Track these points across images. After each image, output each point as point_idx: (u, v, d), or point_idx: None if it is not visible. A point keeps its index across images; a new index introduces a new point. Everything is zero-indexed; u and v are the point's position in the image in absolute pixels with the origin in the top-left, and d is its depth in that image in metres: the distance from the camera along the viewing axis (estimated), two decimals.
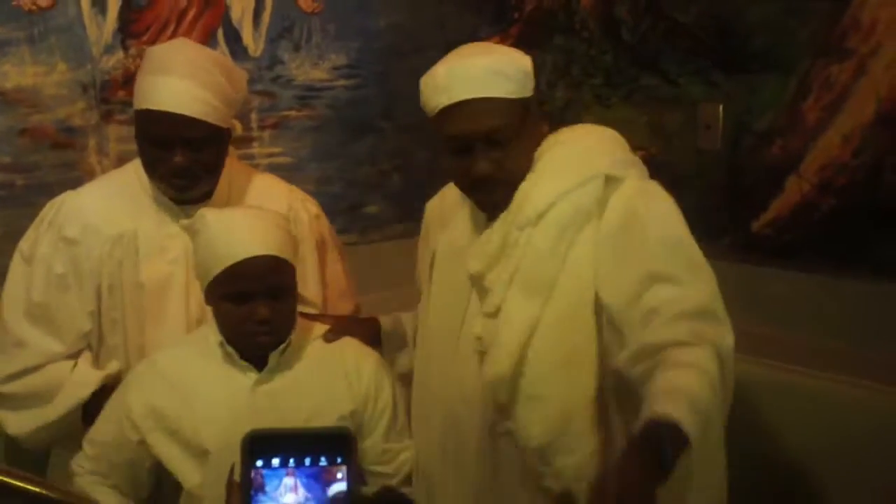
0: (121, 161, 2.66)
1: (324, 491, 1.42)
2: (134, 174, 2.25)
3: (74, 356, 2.21)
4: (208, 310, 2.05)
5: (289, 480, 1.41)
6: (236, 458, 1.46)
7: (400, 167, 3.27)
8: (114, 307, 2.20)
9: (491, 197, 1.90)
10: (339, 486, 1.43)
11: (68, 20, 2.57)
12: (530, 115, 1.88)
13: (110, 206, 2.22)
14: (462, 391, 1.92)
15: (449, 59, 1.87)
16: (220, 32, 2.83)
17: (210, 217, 1.96)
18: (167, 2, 2.74)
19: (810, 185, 2.58)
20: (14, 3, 2.50)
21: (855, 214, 2.50)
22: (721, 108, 2.74)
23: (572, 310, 1.83)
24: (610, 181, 1.85)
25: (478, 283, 1.90)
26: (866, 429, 2.27)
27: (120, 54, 2.67)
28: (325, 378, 2.03)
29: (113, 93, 2.66)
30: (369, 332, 2.18)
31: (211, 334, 2.01)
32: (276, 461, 1.43)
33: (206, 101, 2.11)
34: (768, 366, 2.38)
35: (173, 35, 2.73)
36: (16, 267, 2.23)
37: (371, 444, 2.05)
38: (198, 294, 2.09)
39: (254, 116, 2.94)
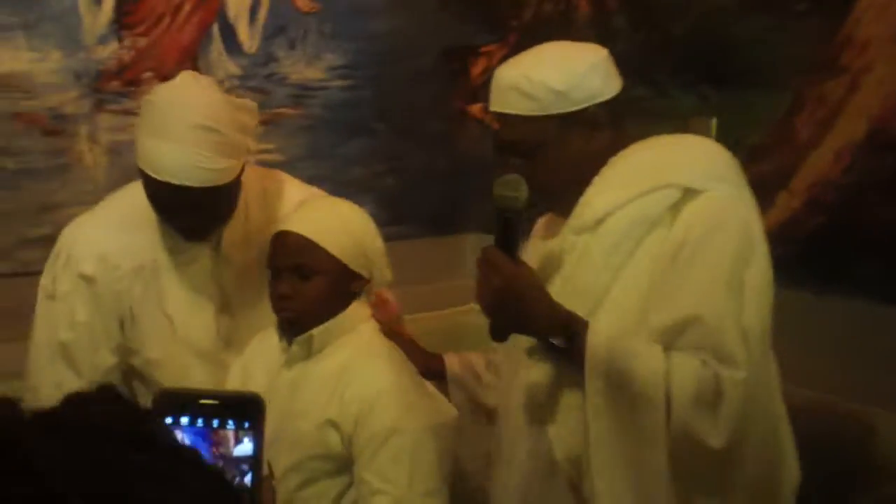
0: (111, 151, 2.67)
1: (210, 452, 1.43)
2: (145, 200, 2.05)
3: None
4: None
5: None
6: None
7: (394, 169, 3.27)
8: (134, 338, 2.09)
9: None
10: (244, 449, 1.44)
11: (64, 8, 2.57)
12: (572, 129, 1.77)
13: (126, 235, 2.06)
14: (512, 394, 1.86)
15: (504, 63, 1.83)
16: (215, 27, 2.83)
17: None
18: None
19: (800, 202, 2.58)
20: None
21: (841, 233, 2.51)
22: (714, 122, 2.75)
23: (621, 324, 1.71)
24: (689, 193, 1.71)
25: None
26: (847, 447, 2.27)
27: (114, 45, 2.67)
28: (326, 383, 2.00)
29: (106, 82, 2.66)
30: (425, 366, 2.12)
31: None
32: (184, 420, 1.44)
33: (214, 168, 1.90)
34: None
35: (168, 28, 2.74)
36: (41, 306, 2.09)
37: (356, 468, 1.99)
38: (227, 318, 2.11)
39: None
